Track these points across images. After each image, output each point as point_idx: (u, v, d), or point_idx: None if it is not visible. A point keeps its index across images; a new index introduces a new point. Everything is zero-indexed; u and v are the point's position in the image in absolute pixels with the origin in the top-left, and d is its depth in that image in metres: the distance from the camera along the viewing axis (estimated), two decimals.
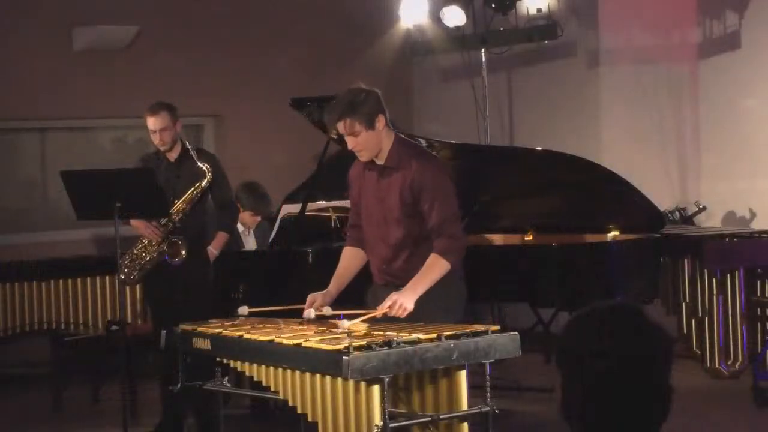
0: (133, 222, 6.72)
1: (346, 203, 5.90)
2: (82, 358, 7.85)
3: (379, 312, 4.79)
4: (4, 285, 7.75)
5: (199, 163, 6.62)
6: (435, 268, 4.89)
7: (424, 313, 4.89)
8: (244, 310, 5.09)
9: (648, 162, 9.25)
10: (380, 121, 4.91)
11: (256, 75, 9.80)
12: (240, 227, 7.62)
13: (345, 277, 5.14)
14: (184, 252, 6.58)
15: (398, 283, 4.98)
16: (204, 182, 6.63)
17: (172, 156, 6.73)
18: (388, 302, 4.79)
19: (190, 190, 6.63)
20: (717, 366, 7.45)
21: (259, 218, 7.73)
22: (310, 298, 5.00)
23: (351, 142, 4.96)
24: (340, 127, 4.92)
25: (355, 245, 5.19)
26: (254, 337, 4.62)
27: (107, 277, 7.92)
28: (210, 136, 9.99)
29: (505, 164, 7.31)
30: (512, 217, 7.39)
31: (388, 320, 4.83)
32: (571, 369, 2.17)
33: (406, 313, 4.79)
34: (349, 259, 5.19)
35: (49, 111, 9.16)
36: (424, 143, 7.16)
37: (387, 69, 10.14)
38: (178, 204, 6.61)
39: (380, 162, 4.99)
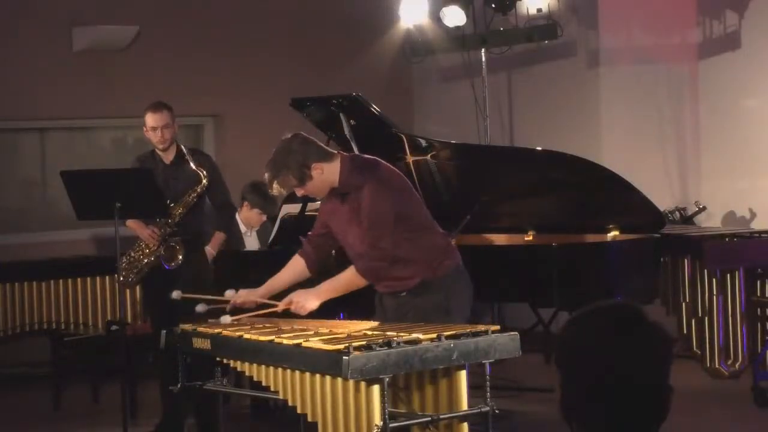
0: (129, 223, 6.71)
1: None
2: (82, 358, 7.86)
3: (280, 307, 4.99)
4: (4, 285, 7.76)
5: (195, 167, 6.61)
6: (345, 280, 5.01)
7: (425, 314, 4.92)
8: (226, 318, 5.10)
9: (648, 162, 9.25)
10: (315, 169, 4.94)
11: (256, 75, 9.80)
12: (242, 228, 7.61)
13: (278, 285, 5.22)
14: (180, 256, 6.58)
15: (399, 289, 5.07)
16: (200, 187, 6.63)
17: (168, 158, 6.72)
18: (288, 299, 4.98)
19: (188, 193, 6.62)
20: (717, 366, 7.44)
21: (265, 218, 7.72)
22: (240, 293, 5.15)
23: (297, 192, 5.11)
24: (276, 185, 5.00)
25: (303, 257, 5.25)
26: (254, 337, 4.63)
27: (107, 278, 7.94)
28: (210, 136, 9.99)
29: (505, 164, 7.30)
30: (512, 217, 7.38)
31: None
32: (571, 369, 2.17)
33: (305, 312, 4.94)
34: (291, 270, 5.27)
35: (49, 111, 9.15)
36: (424, 143, 7.17)
37: (387, 69, 10.14)
38: (176, 208, 6.60)
39: (339, 188, 5.04)
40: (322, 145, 5.12)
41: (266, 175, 5.01)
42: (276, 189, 5.02)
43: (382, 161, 5.14)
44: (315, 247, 5.24)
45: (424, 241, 5.05)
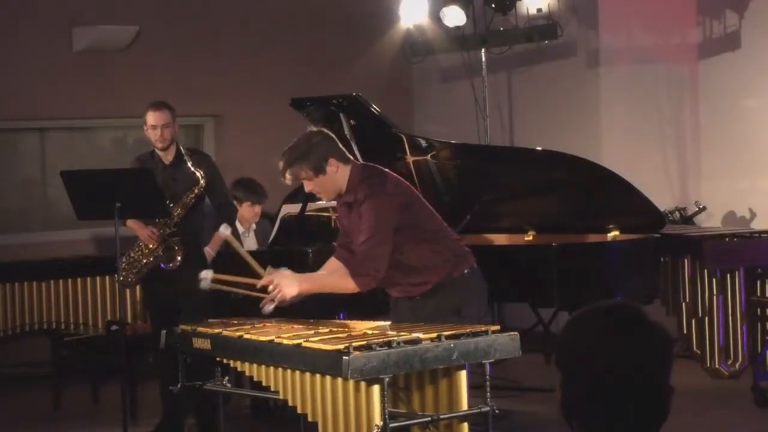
0: (129, 223, 6.71)
1: None
2: (82, 358, 7.86)
3: (261, 283, 4.91)
4: (4, 285, 7.77)
5: (193, 169, 6.59)
6: (336, 282, 4.97)
7: (440, 315, 4.91)
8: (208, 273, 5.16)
9: (648, 162, 9.25)
10: (331, 165, 4.93)
11: (256, 75, 9.80)
12: (240, 228, 7.60)
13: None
14: (179, 257, 6.57)
15: (413, 293, 5.07)
16: (197, 188, 6.62)
17: (168, 158, 6.71)
18: (270, 278, 4.89)
19: (186, 194, 6.62)
20: (717, 366, 7.44)
21: (257, 210, 7.67)
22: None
23: (306, 186, 5.06)
24: (289, 174, 4.97)
25: (340, 260, 5.18)
26: (254, 337, 4.63)
27: (107, 278, 7.94)
28: (210, 136, 9.99)
29: (505, 164, 7.30)
30: (512, 217, 7.39)
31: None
32: (571, 369, 2.17)
33: (282, 298, 4.85)
34: (330, 270, 5.19)
35: (49, 111, 9.16)
36: (424, 143, 7.17)
37: (387, 69, 10.14)
38: (175, 209, 6.59)
39: (344, 196, 5.03)
40: (343, 148, 5.10)
41: (280, 163, 5.00)
42: (288, 179, 5.01)
43: (391, 174, 5.13)
44: (350, 252, 5.16)
45: (438, 248, 5.06)
